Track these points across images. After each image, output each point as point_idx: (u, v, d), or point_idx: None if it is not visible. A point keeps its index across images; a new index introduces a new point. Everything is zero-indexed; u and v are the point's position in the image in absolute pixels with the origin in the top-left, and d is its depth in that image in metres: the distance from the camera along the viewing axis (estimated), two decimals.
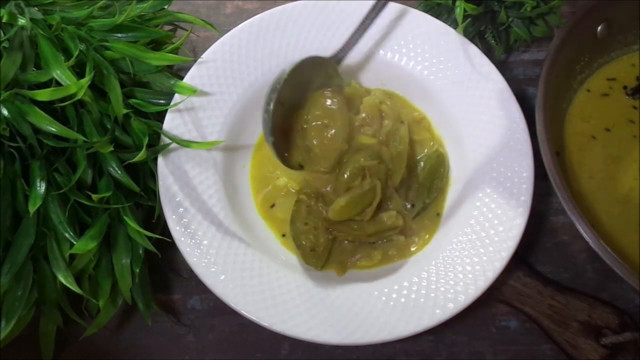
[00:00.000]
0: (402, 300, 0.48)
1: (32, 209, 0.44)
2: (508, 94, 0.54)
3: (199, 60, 0.55)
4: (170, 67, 0.57)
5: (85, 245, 0.46)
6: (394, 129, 0.55)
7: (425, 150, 0.56)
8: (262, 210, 0.56)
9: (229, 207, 0.53)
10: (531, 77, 0.63)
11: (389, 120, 0.55)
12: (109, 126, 0.49)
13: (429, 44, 0.57)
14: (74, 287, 0.45)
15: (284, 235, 0.54)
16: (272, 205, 0.55)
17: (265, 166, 0.57)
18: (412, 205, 0.54)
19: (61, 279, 0.45)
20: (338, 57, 0.55)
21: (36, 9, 0.48)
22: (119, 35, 0.50)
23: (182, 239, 0.50)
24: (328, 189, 0.54)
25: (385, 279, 0.51)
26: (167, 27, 0.59)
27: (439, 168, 0.55)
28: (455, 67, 0.56)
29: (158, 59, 0.51)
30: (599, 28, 0.56)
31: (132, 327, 0.54)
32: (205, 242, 0.50)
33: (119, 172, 0.49)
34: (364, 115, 0.56)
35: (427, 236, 0.53)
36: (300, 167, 0.54)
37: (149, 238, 0.49)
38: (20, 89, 0.44)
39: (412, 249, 0.53)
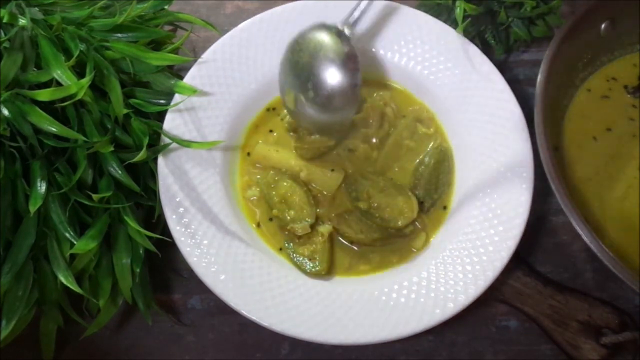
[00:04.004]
0: (402, 300, 0.48)
1: (32, 209, 0.44)
2: (508, 94, 0.54)
3: (199, 60, 0.55)
4: (170, 67, 0.57)
5: (85, 245, 0.46)
6: (390, 131, 0.56)
7: (431, 144, 0.56)
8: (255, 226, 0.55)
9: (229, 207, 0.53)
10: (531, 78, 0.63)
11: (390, 125, 0.56)
12: (109, 126, 0.49)
13: (429, 44, 0.57)
14: (74, 287, 0.45)
15: (280, 249, 0.53)
16: (258, 225, 0.54)
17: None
18: (422, 202, 0.54)
19: (62, 278, 0.45)
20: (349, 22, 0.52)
21: (37, 9, 0.48)
22: (119, 35, 0.51)
23: (182, 239, 0.50)
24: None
25: (385, 279, 0.51)
26: (167, 27, 0.59)
27: (443, 162, 0.55)
28: (455, 67, 0.56)
29: (158, 59, 0.51)
30: (603, 26, 0.56)
31: (132, 327, 0.54)
32: (205, 242, 0.50)
33: (119, 172, 0.49)
34: (364, 115, 0.56)
35: (434, 230, 0.53)
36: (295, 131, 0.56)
37: (149, 238, 0.49)
38: (20, 89, 0.45)
39: (414, 250, 0.53)
